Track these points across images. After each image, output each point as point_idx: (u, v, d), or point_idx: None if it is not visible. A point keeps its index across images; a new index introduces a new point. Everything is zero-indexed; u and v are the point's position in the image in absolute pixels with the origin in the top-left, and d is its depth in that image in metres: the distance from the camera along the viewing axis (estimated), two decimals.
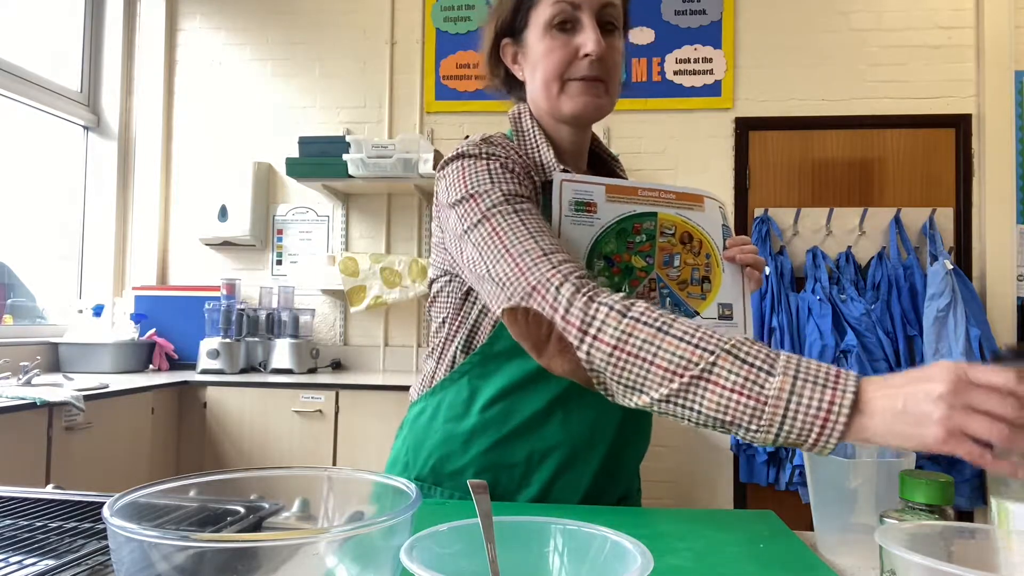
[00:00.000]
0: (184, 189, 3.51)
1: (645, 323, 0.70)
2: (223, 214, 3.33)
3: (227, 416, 2.77)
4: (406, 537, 0.46)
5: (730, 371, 0.65)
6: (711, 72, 3.26)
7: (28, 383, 2.41)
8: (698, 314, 0.94)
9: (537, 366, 0.85)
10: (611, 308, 0.72)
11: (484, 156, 0.89)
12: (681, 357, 0.67)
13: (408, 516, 0.45)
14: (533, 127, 0.97)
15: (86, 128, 3.44)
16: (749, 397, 0.64)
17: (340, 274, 3.21)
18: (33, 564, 0.61)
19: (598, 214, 0.90)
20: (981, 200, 3.10)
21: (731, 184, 3.25)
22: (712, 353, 0.67)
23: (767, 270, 3.06)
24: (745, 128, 3.25)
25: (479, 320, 0.95)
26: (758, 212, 3.20)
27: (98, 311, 3.13)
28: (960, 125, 3.15)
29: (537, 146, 0.96)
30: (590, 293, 0.74)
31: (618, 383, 0.71)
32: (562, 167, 0.94)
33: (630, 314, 0.71)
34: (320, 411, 2.73)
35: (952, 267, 2.89)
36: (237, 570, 0.39)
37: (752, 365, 0.65)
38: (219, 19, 3.53)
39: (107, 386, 2.47)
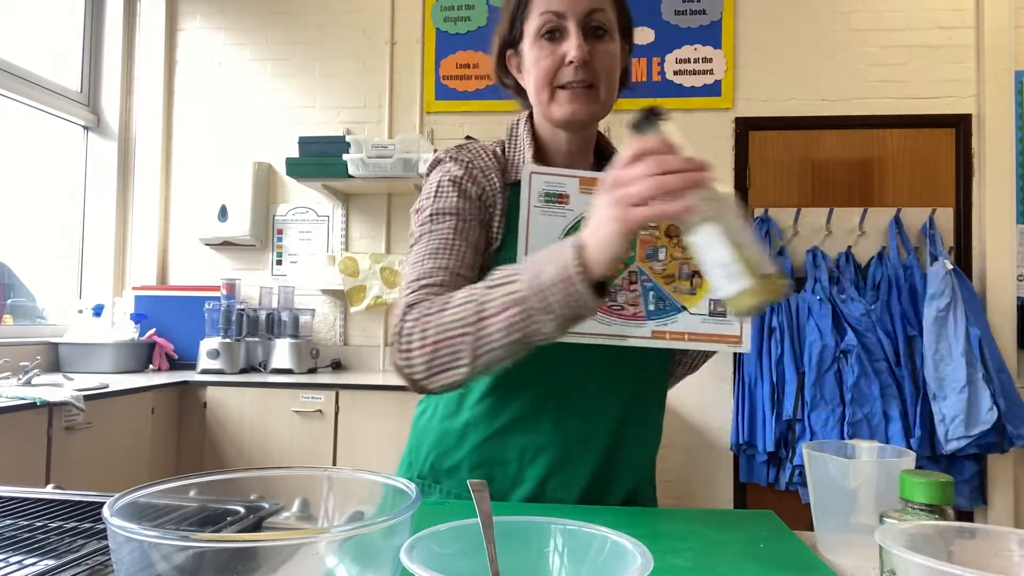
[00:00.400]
0: (184, 189, 3.51)
1: (430, 313, 0.81)
2: (223, 214, 3.33)
3: (227, 416, 2.77)
4: (406, 537, 0.46)
5: (493, 301, 0.76)
6: (711, 72, 3.26)
7: (28, 383, 2.41)
8: (686, 309, 0.92)
9: (526, 360, 0.87)
10: (415, 318, 0.82)
11: (449, 160, 0.98)
12: (462, 319, 0.78)
13: (408, 516, 0.45)
14: (522, 133, 1.02)
15: (86, 128, 3.44)
16: (515, 304, 0.74)
17: (340, 274, 3.21)
18: (33, 564, 0.61)
19: (571, 205, 0.91)
20: (981, 200, 3.10)
21: (731, 184, 3.24)
22: (478, 300, 0.77)
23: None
24: (745, 128, 3.25)
25: None
26: (758, 212, 3.20)
27: (98, 311, 3.13)
28: (960, 125, 3.15)
29: (522, 150, 1.00)
30: (404, 314, 0.83)
31: (438, 374, 0.80)
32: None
33: (423, 312, 0.82)
34: (320, 411, 2.73)
35: (952, 267, 2.89)
36: (237, 570, 0.39)
37: (501, 285, 0.76)
38: (219, 19, 3.53)
39: (107, 386, 2.47)
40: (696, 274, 0.92)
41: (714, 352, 0.92)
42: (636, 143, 0.71)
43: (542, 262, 0.74)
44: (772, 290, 0.68)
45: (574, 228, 0.91)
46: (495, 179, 0.97)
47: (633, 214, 0.69)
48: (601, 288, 0.75)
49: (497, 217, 0.96)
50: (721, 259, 0.68)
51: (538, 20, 0.94)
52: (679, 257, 0.93)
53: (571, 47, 0.92)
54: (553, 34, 0.94)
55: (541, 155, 1.03)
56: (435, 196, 0.95)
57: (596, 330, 0.91)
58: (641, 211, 0.69)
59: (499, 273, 0.77)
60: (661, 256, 0.93)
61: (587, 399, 0.95)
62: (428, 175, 0.99)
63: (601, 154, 1.09)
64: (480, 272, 0.92)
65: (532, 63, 0.96)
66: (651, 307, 0.92)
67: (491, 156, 0.99)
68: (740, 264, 0.67)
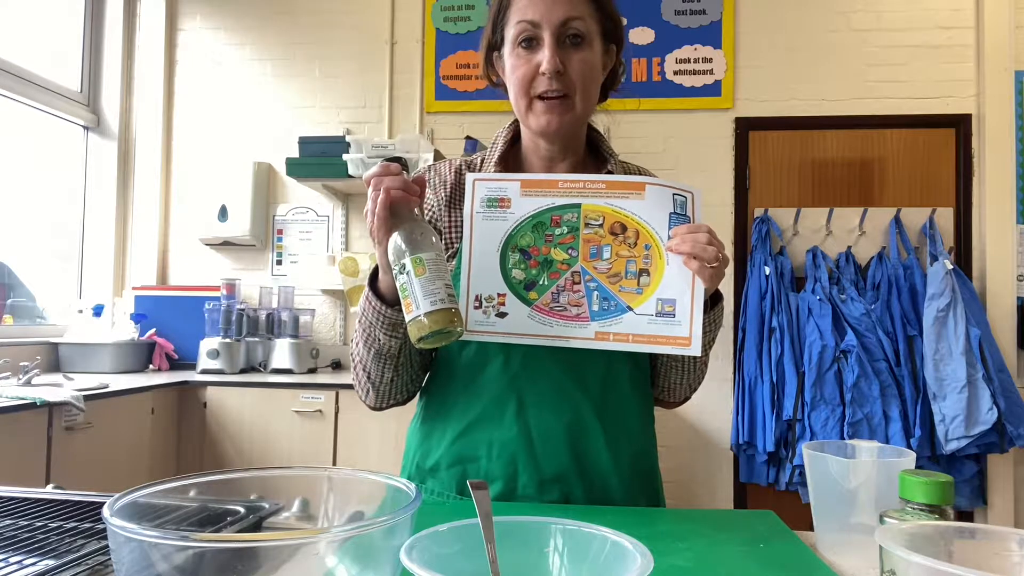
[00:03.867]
0: (184, 189, 3.51)
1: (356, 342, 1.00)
2: (223, 214, 3.33)
3: (227, 416, 2.77)
4: (406, 537, 0.46)
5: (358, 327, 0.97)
6: (711, 72, 3.26)
7: (28, 383, 2.41)
8: (631, 310, 0.89)
9: (488, 357, 0.96)
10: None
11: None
12: (356, 347, 0.99)
13: (408, 516, 0.45)
14: (499, 139, 1.06)
15: (86, 128, 3.44)
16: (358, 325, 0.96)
17: (340, 274, 3.21)
18: (33, 564, 0.61)
19: (511, 209, 0.92)
20: (981, 200, 3.10)
21: (731, 184, 3.25)
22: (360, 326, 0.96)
23: (767, 270, 3.06)
24: (745, 128, 3.25)
25: None
26: (758, 212, 3.20)
27: (98, 311, 3.13)
28: (960, 125, 3.15)
29: (492, 156, 1.04)
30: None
31: (366, 400, 1.05)
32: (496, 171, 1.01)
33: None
34: (320, 411, 2.73)
35: (952, 267, 2.89)
36: (237, 570, 0.39)
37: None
38: (219, 19, 3.53)
39: (107, 386, 2.47)
40: (644, 272, 0.90)
41: (697, 355, 0.88)
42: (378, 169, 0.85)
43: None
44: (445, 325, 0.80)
45: (517, 231, 0.92)
46: (442, 194, 1.03)
47: (374, 231, 0.85)
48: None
49: (446, 229, 1.01)
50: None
51: (515, 28, 0.95)
52: (625, 255, 0.91)
53: (544, 58, 0.93)
54: (529, 42, 0.95)
55: (519, 159, 1.06)
56: None
57: (535, 331, 0.90)
58: (375, 228, 0.84)
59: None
60: (606, 255, 0.91)
61: (549, 396, 0.95)
62: None
63: (596, 152, 1.09)
64: None
65: (510, 71, 0.98)
66: (595, 308, 0.90)
67: (450, 171, 1.04)
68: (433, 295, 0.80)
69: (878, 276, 3.04)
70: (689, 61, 3.27)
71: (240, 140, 3.49)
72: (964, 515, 2.98)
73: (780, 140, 3.26)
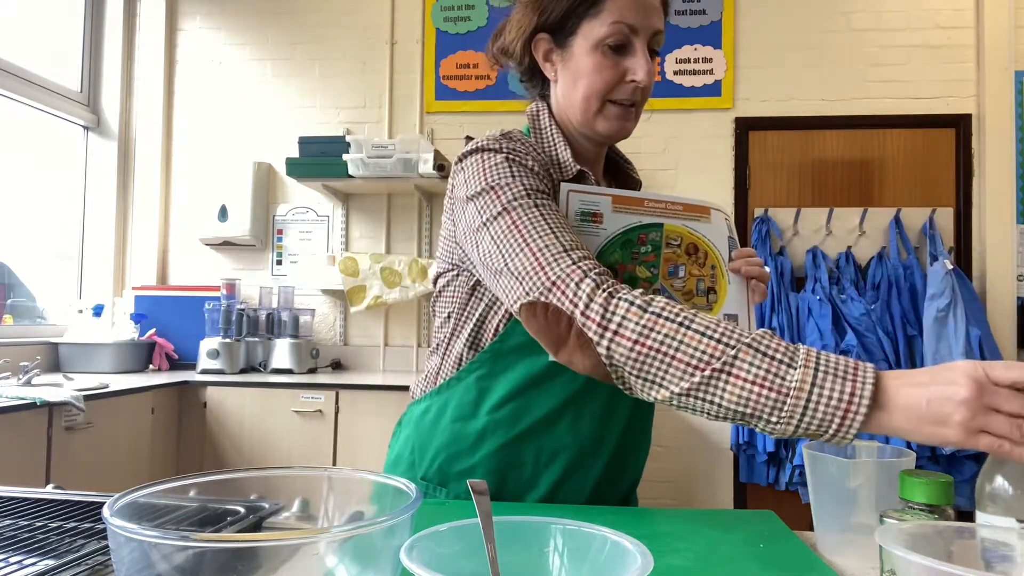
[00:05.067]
0: (184, 189, 3.51)
1: (666, 318, 0.71)
2: (223, 214, 3.33)
3: (227, 416, 2.77)
4: (406, 537, 0.46)
5: (751, 364, 0.67)
6: (711, 72, 3.26)
7: (28, 383, 2.41)
8: None
9: (549, 364, 0.88)
10: (632, 304, 0.73)
11: (504, 151, 0.89)
12: (703, 352, 0.69)
13: (408, 516, 0.45)
14: (551, 126, 0.97)
15: (86, 128, 3.44)
16: (771, 389, 0.66)
17: (340, 274, 3.21)
18: (33, 564, 0.61)
19: (604, 224, 0.91)
20: (981, 200, 3.10)
21: (731, 184, 3.25)
22: (733, 347, 0.68)
23: (767, 270, 3.06)
24: (745, 128, 3.25)
25: (485, 315, 0.95)
26: (758, 212, 3.20)
27: (98, 311, 3.13)
28: (960, 125, 3.15)
29: (555, 144, 0.96)
30: (610, 289, 0.74)
31: (638, 377, 0.72)
32: (579, 168, 0.95)
33: (651, 309, 0.72)
34: (320, 411, 2.73)
35: (952, 267, 2.89)
36: (237, 570, 0.39)
37: (773, 358, 0.67)
38: (219, 19, 3.53)
39: (107, 386, 2.47)
40: (711, 291, 0.95)
41: None
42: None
43: (829, 371, 0.65)
44: None
45: (607, 247, 0.91)
46: (553, 176, 0.94)
47: (981, 439, 0.60)
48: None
49: None
50: None
51: (607, 28, 0.90)
52: (696, 274, 0.95)
53: (640, 68, 0.91)
54: (621, 48, 0.91)
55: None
56: (514, 175, 0.86)
57: None
58: (990, 441, 0.60)
59: (774, 342, 0.69)
60: (681, 274, 0.95)
61: (600, 404, 0.95)
62: (466, 159, 0.91)
63: (609, 160, 1.11)
64: None
65: (588, 70, 0.92)
66: None
67: (537, 152, 0.95)
68: None
69: (878, 276, 3.04)
70: (689, 61, 3.27)
71: (240, 140, 3.49)
72: (964, 515, 2.98)
73: (780, 140, 3.26)
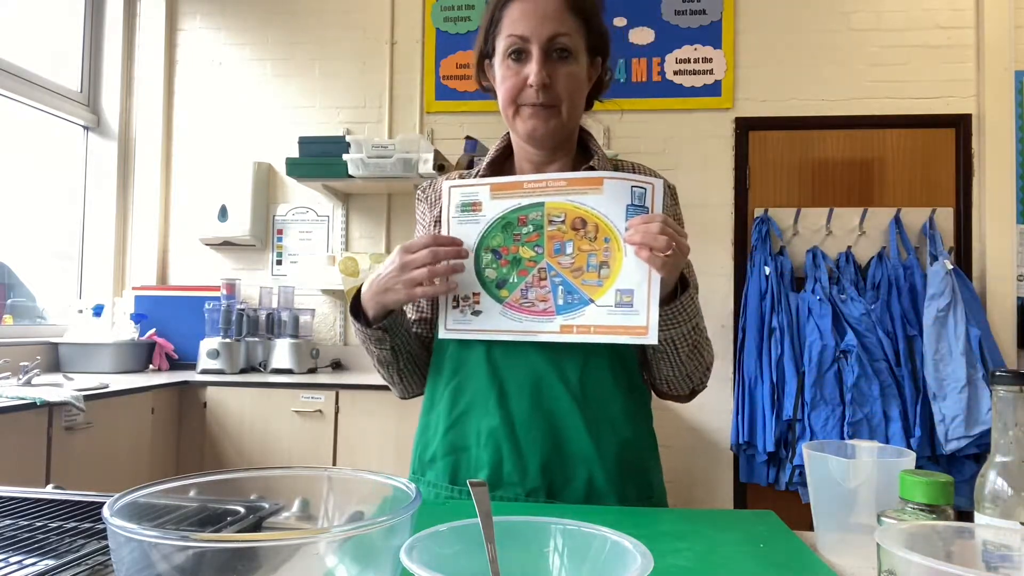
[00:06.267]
0: (184, 189, 3.51)
1: None
2: (223, 214, 3.33)
3: (227, 416, 2.77)
4: (406, 537, 0.46)
5: None
6: (711, 72, 3.26)
7: (28, 383, 2.41)
8: (592, 302, 0.93)
9: (472, 349, 1.01)
10: None
11: (417, 200, 1.17)
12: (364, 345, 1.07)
13: (408, 516, 0.45)
14: (496, 145, 1.11)
15: (86, 128, 3.44)
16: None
17: (340, 274, 3.21)
18: (33, 564, 0.61)
19: (483, 212, 0.98)
20: (981, 200, 3.10)
21: (731, 184, 3.25)
22: None
23: (767, 270, 3.06)
24: (745, 128, 3.25)
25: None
26: (758, 212, 3.20)
27: (98, 311, 3.13)
28: (960, 125, 3.15)
29: (483, 160, 1.10)
30: None
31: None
32: (482, 168, 1.08)
33: None
34: (320, 411, 2.73)
35: (952, 267, 2.89)
36: (237, 570, 0.39)
37: None
38: (219, 19, 3.53)
39: (107, 386, 2.47)
40: (604, 265, 0.93)
41: (654, 344, 0.91)
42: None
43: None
44: None
45: (488, 232, 0.97)
46: (436, 210, 1.11)
47: (413, 293, 0.95)
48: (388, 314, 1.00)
49: None
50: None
51: (506, 41, 1.00)
52: (586, 249, 0.94)
53: (532, 72, 0.98)
54: (519, 55, 1.00)
55: (511, 166, 1.11)
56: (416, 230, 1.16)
57: (507, 327, 0.96)
58: (419, 291, 0.94)
59: None
60: (569, 250, 0.95)
61: (530, 386, 0.98)
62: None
63: (587, 153, 1.12)
64: None
65: (500, 80, 1.03)
66: (560, 302, 0.95)
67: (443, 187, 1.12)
68: None
69: (878, 276, 3.04)
70: (689, 61, 3.27)
71: (240, 140, 3.49)
72: (964, 515, 2.97)
73: (780, 140, 3.26)
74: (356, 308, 1.02)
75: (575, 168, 1.09)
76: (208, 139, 3.51)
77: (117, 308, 3.28)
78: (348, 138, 3.09)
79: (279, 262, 3.45)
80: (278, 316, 3.21)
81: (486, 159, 1.10)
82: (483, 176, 1.07)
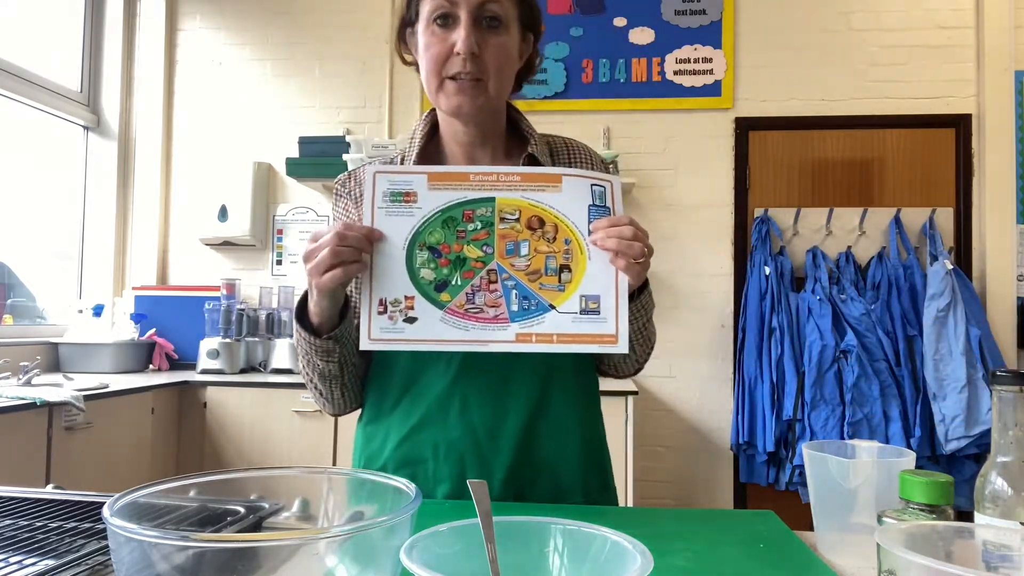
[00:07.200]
0: (184, 189, 3.51)
1: None
2: (223, 214, 3.33)
3: (227, 416, 2.77)
4: (406, 537, 0.46)
5: None
6: (711, 72, 3.26)
7: (28, 383, 2.41)
8: (554, 308, 0.85)
9: (428, 358, 0.94)
10: None
11: (335, 196, 1.13)
12: (303, 359, 0.99)
13: (408, 516, 0.45)
14: (415, 135, 1.03)
15: (86, 128, 3.44)
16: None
17: None
18: (33, 564, 0.61)
19: (418, 203, 0.87)
20: (981, 200, 3.10)
21: (731, 184, 3.25)
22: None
23: (767, 270, 3.06)
24: (745, 128, 3.25)
25: None
26: (758, 212, 3.20)
27: (98, 311, 3.13)
28: (960, 125, 3.15)
29: (410, 152, 1.01)
30: None
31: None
32: (413, 156, 1.00)
33: None
34: (320, 411, 2.73)
35: (952, 267, 2.89)
36: (237, 570, 0.39)
37: None
38: (219, 19, 3.53)
39: (107, 386, 2.47)
40: (565, 268, 0.85)
41: (624, 352, 0.85)
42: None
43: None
44: None
45: (424, 227, 0.86)
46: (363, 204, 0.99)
47: (322, 281, 0.83)
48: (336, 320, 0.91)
49: None
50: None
51: (431, 4, 0.92)
52: (544, 250, 0.86)
53: (460, 38, 0.90)
54: (445, 19, 0.91)
55: (439, 149, 1.02)
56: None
57: (450, 336, 0.84)
58: (327, 277, 0.82)
59: None
60: (524, 251, 0.86)
61: (490, 395, 0.94)
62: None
63: (518, 133, 1.06)
64: None
65: (423, 48, 0.94)
66: (514, 308, 0.85)
67: (357, 185, 1.06)
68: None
69: (878, 276, 3.04)
70: (689, 61, 3.27)
71: (240, 140, 3.49)
72: (964, 515, 2.97)
73: (780, 140, 3.26)
74: (302, 317, 0.92)
75: (509, 150, 1.03)
76: (208, 139, 3.51)
77: (117, 308, 3.28)
78: (348, 138, 3.09)
79: (279, 262, 3.45)
80: (278, 316, 3.21)
81: (416, 143, 1.01)
82: (416, 164, 0.97)
